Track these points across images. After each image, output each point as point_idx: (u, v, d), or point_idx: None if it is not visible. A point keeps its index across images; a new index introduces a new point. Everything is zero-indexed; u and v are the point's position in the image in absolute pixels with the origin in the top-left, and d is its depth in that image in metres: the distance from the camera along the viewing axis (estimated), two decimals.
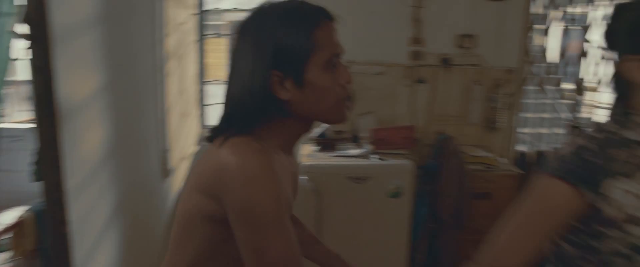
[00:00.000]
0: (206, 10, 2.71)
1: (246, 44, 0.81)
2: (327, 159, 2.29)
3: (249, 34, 0.81)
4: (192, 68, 2.58)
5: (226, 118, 0.84)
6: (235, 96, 0.82)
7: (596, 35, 2.67)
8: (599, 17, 2.68)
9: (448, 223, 2.42)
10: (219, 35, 2.87)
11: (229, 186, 0.75)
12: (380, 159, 2.30)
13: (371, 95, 2.62)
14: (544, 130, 3.18)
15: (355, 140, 2.53)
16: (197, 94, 2.71)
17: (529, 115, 3.13)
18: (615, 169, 0.80)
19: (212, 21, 2.92)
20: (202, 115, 2.80)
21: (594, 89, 2.82)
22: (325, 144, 2.44)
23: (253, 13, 0.82)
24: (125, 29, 1.70)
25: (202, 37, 2.69)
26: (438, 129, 2.67)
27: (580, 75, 2.80)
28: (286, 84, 0.79)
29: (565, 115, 3.05)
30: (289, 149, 0.90)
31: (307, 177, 2.16)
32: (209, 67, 2.84)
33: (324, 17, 0.81)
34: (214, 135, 0.84)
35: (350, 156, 2.31)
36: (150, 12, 1.94)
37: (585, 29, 2.73)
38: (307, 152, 2.39)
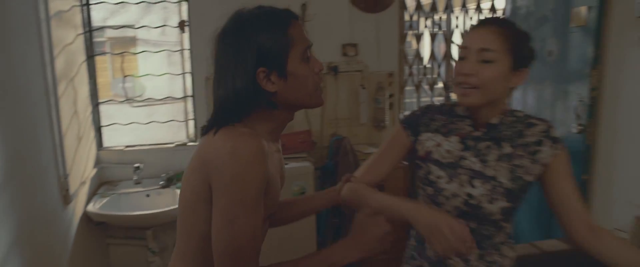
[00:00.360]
0: (95, 29, 2.64)
1: (230, 48, 0.91)
2: None
3: (230, 39, 0.91)
4: (84, 89, 2.51)
5: (218, 115, 0.93)
6: (227, 95, 0.91)
7: (458, 39, 3.10)
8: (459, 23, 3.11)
9: (349, 216, 2.65)
10: (108, 54, 2.81)
11: (218, 164, 0.85)
12: None
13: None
14: None
15: None
16: (92, 115, 2.64)
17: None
18: (432, 126, 1.18)
19: (100, 38, 2.85)
20: (98, 137, 2.72)
21: None
22: None
23: (231, 20, 0.93)
24: (8, 55, 1.65)
25: (92, 57, 2.63)
26: (332, 131, 2.91)
27: (448, 75, 3.23)
28: (272, 77, 0.90)
29: None
30: (275, 137, 1.01)
31: None
32: (101, 87, 2.78)
33: (292, 16, 0.94)
34: (207, 129, 0.93)
35: None
36: (37, 35, 1.89)
37: (451, 33, 3.16)
38: None
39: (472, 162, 1.12)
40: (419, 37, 3.03)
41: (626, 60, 2.18)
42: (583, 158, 2.38)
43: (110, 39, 2.84)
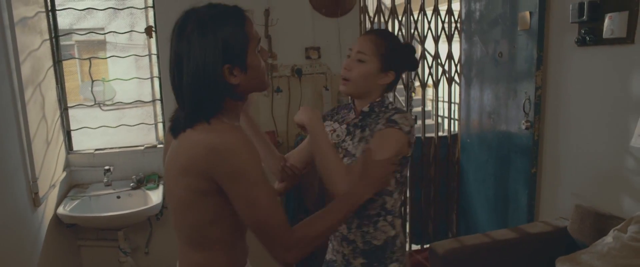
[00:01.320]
0: (61, 35, 2.69)
1: (195, 47, 0.95)
2: None
3: (193, 37, 0.96)
4: (52, 94, 2.56)
5: (187, 110, 1.00)
6: (194, 91, 0.97)
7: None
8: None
9: (314, 212, 2.76)
10: (76, 58, 2.85)
11: (217, 162, 0.94)
12: None
13: None
14: None
15: None
16: (61, 119, 2.68)
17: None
18: (335, 117, 1.52)
19: (69, 42, 2.89)
20: (68, 141, 2.77)
21: (428, 86, 3.40)
22: None
23: (188, 19, 0.98)
24: None
25: (59, 61, 2.67)
26: (297, 131, 3.01)
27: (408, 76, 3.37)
28: (234, 71, 0.99)
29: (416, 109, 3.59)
30: (237, 122, 1.11)
31: None
32: (71, 91, 2.82)
33: (244, 14, 1.02)
34: (178, 126, 1.01)
35: None
36: (1, 41, 1.93)
37: (410, 36, 3.30)
38: None
39: (348, 143, 1.42)
40: None
41: (565, 61, 2.35)
42: (531, 153, 2.55)
43: (79, 42, 2.86)
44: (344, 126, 1.46)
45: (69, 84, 2.79)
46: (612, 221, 2.05)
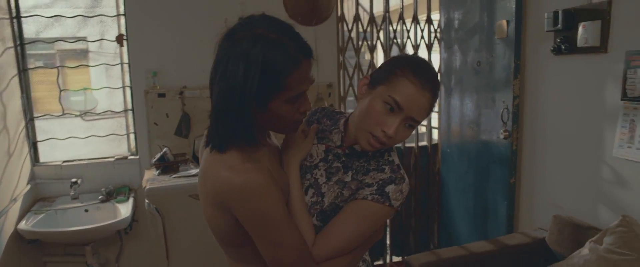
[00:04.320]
0: (27, 42, 2.60)
1: (237, 63, 0.85)
2: (168, 180, 2.39)
3: (239, 52, 0.85)
4: (15, 103, 2.46)
5: (211, 125, 0.94)
6: (218, 105, 0.89)
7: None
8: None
9: None
10: (48, 66, 2.75)
11: (235, 202, 0.89)
12: None
13: (207, 117, 2.79)
14: None
15: (196, 160, 2.67)
16: (26, 130, 2.58)
17: None
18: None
19: (37, 51, 2.80)
20: (33, 153, 2.67)
21: None
22: (166, 167, 2.53)
23: (243, 28, 0.87)
24: None
25: (24, 70, 2.58)
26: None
27: None
28: (252, 105, 0.87)
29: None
30: (268, 134, 1.07)
31: (148, 202, 2.24)
32: (39, 102, 2.72)
33: (304, 55, 0.89)
34: (211, 141, 0.94)
35: (191, 175, 2.44)
36: None
37: (389, 45, 3.27)
38: (148, 177, 2.46)
39: (320, 173, 1.09)
40: (357, 49, 3.11)
41: (542, 70, 2.32)
42: (510, 163, 2.51)
43: (62, 52, 2.78)
44: (322, 147, 1.12)
45: (38, 94, 2.70)
46: (589, 232, 2.01)
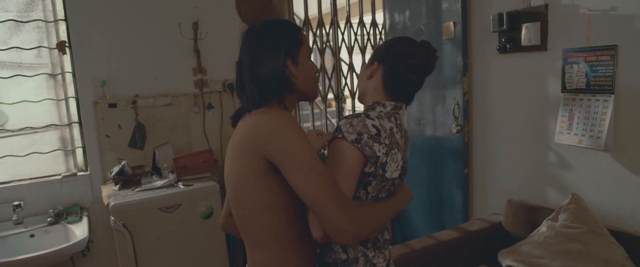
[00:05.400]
0: None
1: (266, 44, 1.10)
2: (133, 195, 2.27)
3: (266, 37, 1.10)
4: None
5: (251, 99, 1.09)
6: (266, 78, 1.08)
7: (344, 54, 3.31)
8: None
9: None
10: None
11: (270, 141, 0.99)
12: (186, 185, 2.39)
13: (164, 126, 2.68)
14: None
15: (157, 172, 2.56)
16: None
17: (306, 125, 3.62)
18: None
19: None
20: None
21: (349, 97, 3.47)
22: (127, 181, 2.40)
23: (262, 26, 1.13)
24: None
25: None
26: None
27: (338, 87, 3.41)
28: (288, 63, 1.10)
29: (333, 120, 3.63)
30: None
31: (114, 218, 2.11)
32: None
33: (299, 28, 1.18)
34: (238, 116, 1.11)
35: (156, 187, 2.34)
36: None
37: (338, 48, 3.36)
38: (108, 193, 2.31)
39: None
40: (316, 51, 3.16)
41: (489, 67, 2.53)
42: (463, 154, 2.69)
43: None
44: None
45: None
46: (541, 212, 2.22)
